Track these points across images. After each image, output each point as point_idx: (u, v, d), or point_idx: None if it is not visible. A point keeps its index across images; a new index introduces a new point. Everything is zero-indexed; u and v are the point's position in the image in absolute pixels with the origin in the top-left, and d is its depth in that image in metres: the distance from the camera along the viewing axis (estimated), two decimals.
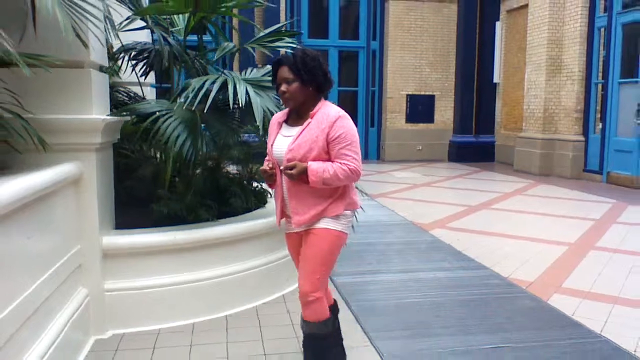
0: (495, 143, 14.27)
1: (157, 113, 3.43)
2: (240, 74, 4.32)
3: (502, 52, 14.04)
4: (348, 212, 2.65)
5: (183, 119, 3.48)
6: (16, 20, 2.93)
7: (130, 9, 4.03)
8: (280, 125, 2.70)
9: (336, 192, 2.59)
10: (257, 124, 3.36)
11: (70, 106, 3.15)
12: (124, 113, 3.57)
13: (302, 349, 2.78)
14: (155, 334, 3.39)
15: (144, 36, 5.32)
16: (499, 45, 14.05)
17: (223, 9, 4.18)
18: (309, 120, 2.56)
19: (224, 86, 3.50)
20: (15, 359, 2.26)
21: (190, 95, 3.34)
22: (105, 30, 3.58)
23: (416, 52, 14.42)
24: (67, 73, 3.12)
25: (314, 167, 2.47)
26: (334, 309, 2.88)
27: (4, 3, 3.04)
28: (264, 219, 3.97)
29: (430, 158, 14.30)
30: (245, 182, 4.59)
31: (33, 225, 2.55)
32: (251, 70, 4.44)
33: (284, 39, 4.23)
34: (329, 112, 2.55)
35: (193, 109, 3.46)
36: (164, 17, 4.46)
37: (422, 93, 14.53)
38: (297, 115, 2.65)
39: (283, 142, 2.61)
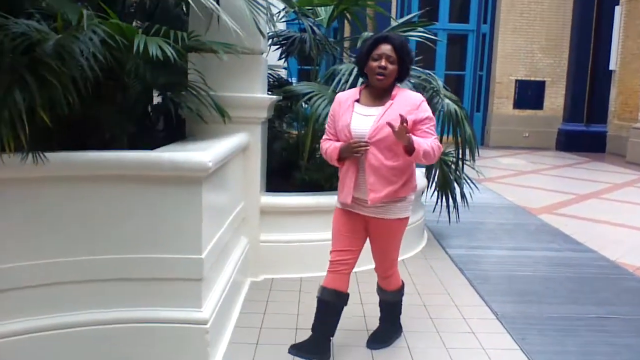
0: (607, 133, 13.86)
1: (311, 94, 4.02)
2: None
3: (620, 38, 13.55)
4: (411, 197, 2.83)
5: (330, 100, 4.05)
6: (205, 15, 3.60)
7: (284, 1, 4.64)
8: (353, 105, 2.77)
9: (408, 172, 2.74)
10: None
11: (243, 86, 3.80)
12: (283, 93, 4.19)
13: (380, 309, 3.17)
14: (298, 280, 4.03)
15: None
16: (617, 31, 13.55)
17: (363, 1, 4.70)
18: (391, 101, 2.68)
19: None
20: (209, 287, 2.90)
21: (342, 79, 3.90)
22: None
23: (528, 37, 14.23)
24: (244, 58, 3.74)
25: (415, 138, 2.59)
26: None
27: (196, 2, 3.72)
28: None
29: (536, 146, 14.12)
30: None
31: (223, 181, 3.22)
32: None
33: (416, 28, 4.67)
34: (411, 95, 2.74)
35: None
36: (308, 8, 5.05)
37: (532, 79, 14.34)
38: (374, 96, 2.74)
39: (363, 120, 2.68)
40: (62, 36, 2.51)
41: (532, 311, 3.66)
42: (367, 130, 2.65)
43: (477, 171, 5.20)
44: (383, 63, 2.64)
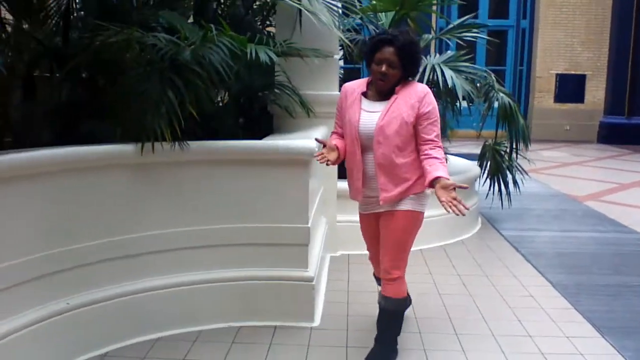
0: None
1: None
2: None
3: None
4: (428, 192, 2.69)
5: None
6: (289, 23, 4.16)
7: (351, 9, 5.17)
8: (360, 99, 2.71)
9: (422, 167, 2.61)
10: (459, 102, 4.36)
11: (322, 85, 4.35)
12: None
13: (377, 322, 2.88)
14: None
15: None
16: None
17: (422, 6, 5.21)
18: (395, 95, 2.61)
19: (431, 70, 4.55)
20: (311, 253, 3.46)
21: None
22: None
23: (567, 31, 14.43)
24: (323, 60, 4.28)
25: (444, 171, 2.51)
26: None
27: (282, 12, 4.30)
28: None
29: (578, 139, 14.30)
30: None
31: (315, 167, 3.78)
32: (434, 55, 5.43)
33: (471, 30, 5.15)
34: (415, 87, 2.64)
35: None
36: (370, 14, 5.57)
37: (573, 72, 14.55)
38: (380, 90, 2.67)
39: (369, 117, 2.64)
40: (197, 46, 3.10)
41: (582, 280, 4.13)
42: (373, 128, 2.62)
43: (528, 160, 5.63)
44: (384, 69, 2.56)
